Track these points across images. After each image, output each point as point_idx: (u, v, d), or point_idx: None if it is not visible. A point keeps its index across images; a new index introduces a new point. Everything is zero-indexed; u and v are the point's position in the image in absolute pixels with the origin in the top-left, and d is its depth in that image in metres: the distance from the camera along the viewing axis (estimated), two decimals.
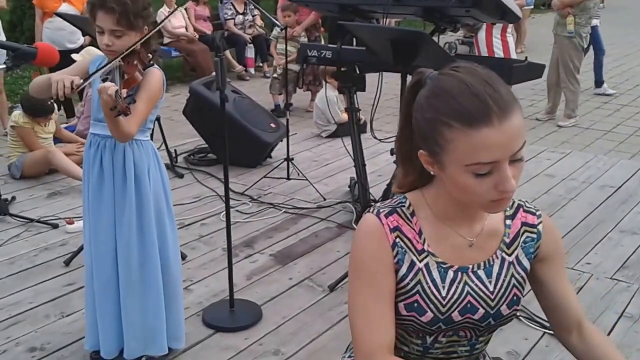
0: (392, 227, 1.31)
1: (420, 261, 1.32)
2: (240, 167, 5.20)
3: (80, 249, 3.51)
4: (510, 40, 6.71)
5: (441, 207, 1.32)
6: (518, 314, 1.41)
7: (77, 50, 5.82)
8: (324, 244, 3.96)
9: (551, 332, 2.96)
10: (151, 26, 2.47)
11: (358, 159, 4.11)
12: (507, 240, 1.37)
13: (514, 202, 1.40)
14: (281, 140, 5.39)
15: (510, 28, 6.80)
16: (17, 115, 4.95)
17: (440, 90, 1.19)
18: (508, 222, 1.38)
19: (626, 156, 5.78)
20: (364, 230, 1.33)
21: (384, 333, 1.28)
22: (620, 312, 3.19)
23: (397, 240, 1.31)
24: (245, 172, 5.19)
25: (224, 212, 3.09)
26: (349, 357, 1.54)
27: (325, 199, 4.64)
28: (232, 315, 3.12)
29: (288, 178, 5.04)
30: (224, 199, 3.07)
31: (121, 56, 2.26)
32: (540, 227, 1.39)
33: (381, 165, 5.21)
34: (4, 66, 2.68)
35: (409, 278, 1.31)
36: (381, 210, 1.33)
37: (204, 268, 3.63)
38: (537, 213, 1.41)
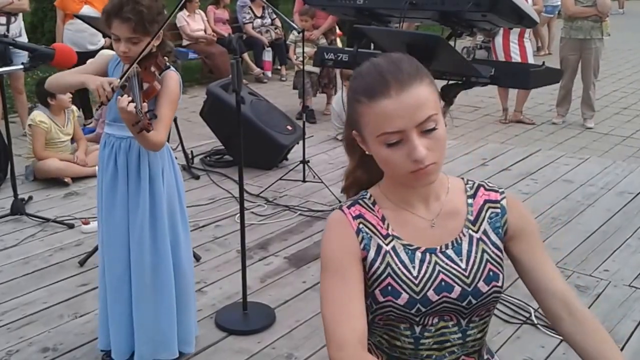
0: (354, 215, 1.37)
1: (387, 245, 1.36)
2: (256, 169, 5.21)
3: (95, 249, 3.53)
4: (528, 45, 6.69)
5: (396, 193, 1.38)
6: (500, 296, 1.40)
7: (98, 52, 5.87)
8: None
9: None
10: (166, 30, 2.48)
11: None
12: (471, 218, 1.40)
13: (474, 183, 1.44)
14: (297, 143, 5.39)
15: (528, 33, 6.77)
16: (35, 114, 4.99)
17: (357, 73, 1.31)
18: (470, 201, 1.41)
19: None
20: (329, 224, 1.39)
21: (353, 324, 1.27)
22: (638, 320, 3.14)
23: (361, 226, 1.36)
24: (261, 174, 5.20)
25: (239, 214, 3.09)
26: None
27: (340, 202, 4.60)
28: (245, 318, 3.11)
29: (304, 180, 5.04)
30: (239, 200, 3.06)
31: (136, 61, 2.28)
32: (503, 202, 1.41)
33: None
34: (22, 66, 2.71)
35: (378, 262, 1.35)
36: (344, 204, 1.41)
37: (218, 270, 3.63)
38: (500, 190, 1.43)
